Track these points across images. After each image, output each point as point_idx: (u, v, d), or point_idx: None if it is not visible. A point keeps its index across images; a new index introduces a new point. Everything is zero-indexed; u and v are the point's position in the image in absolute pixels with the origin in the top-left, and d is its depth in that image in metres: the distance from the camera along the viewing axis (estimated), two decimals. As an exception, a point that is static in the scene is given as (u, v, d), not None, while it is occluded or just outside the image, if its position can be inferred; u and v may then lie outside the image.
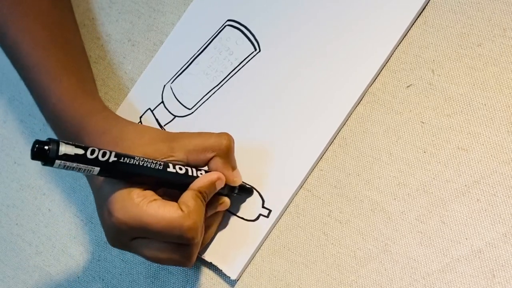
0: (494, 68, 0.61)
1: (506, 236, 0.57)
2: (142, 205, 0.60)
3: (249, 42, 0.71)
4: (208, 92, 0.71)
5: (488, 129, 0.60)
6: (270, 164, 0.66)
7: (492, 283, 0.57)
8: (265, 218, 0.65)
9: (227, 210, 0.66)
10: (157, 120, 0.73)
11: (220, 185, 0.63)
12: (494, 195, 0.59)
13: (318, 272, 0.63)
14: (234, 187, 0.65)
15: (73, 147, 0.57)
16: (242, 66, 0.71)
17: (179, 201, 0.61)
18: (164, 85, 0.74)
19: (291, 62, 0.68)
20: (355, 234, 0.62)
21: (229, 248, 0.66)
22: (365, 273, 0.61)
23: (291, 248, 0.64)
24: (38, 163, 0.79)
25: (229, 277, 0.65)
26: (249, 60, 0.70)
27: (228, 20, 0.73)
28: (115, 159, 0.59)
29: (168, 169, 0.61)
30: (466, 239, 0.58)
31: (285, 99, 0.68)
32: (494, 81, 0.61)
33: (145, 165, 0.60)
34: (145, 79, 0.75)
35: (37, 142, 0.56)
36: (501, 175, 0.59)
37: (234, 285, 0.66)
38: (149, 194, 0.61)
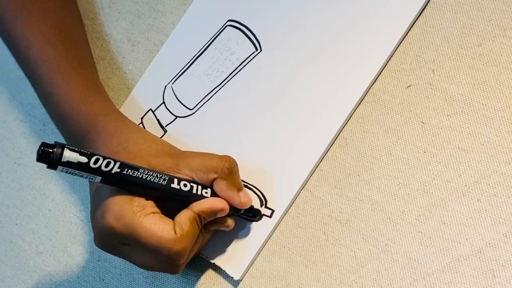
0: (494, 68, 0.61)
1: (506, 236, 0.57)
2: (139, 216, 0.59)
3: (250, 42, 0.71)
4: (210, 93, 0.71)
5: (488, 129, 0.60)
6: (272, 164, 0.66)
7: (492, 283, 0.57)
8: (268, 218, 0.65)
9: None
10: (158, 120, 0.73)
11: (221, 215, 0.62)
12: (494, 195, 0.59)
13: (318, 272, 0.63)
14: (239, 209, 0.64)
15: (78, 154, 0.57)
16: (243, 66, 0.71)
17: (175, 219, 0.60)
18: (165, 86, 0.74)
19: (292, 62, 0.68)
20: (355, 234, 0.62)
21: (232, 248, 0.66)
22: (365, 273, 0.61)
23: (292, 248, 0.64)
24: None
25: (231, 278, 0.65)
26: (250, 60, 0.70)
27: (229, 20, 0.73)
28: (118, 170, 0.58)
29: (172, 185, 0.61)
30: (466, 239, 0.58)
31: (286, 99, 0.68)
32: (495, 81, 0.61)
33: (149, 178, 0.60)
34: (146, 79, 0.75)
35: (43, 144, 0.56)
36: (501, 175, 0.59)
37: (236, 286, 0.66)
38: (149, 205, 0.60)
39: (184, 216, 0.60)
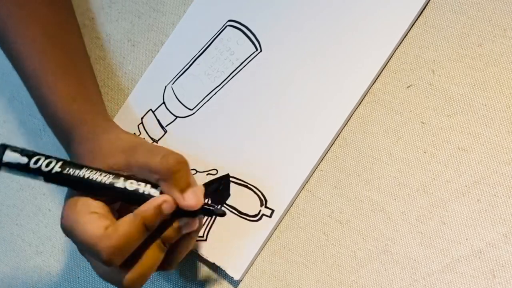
0: (494, 68, 0.61)
1: (506, 237, 0.57)
2: (80, 215, 0.59)
3: (250, 42, 0.71)
4: (210, 93, 0.71)
5: (488, 129, 0.60)
6: (272, 164, 0.66)
7: (492, 283, 0.57)
8: (268, 218, 0.65)
9: (230, 210, 0.66)
10: (158, 121, 0.73)
11: (168, 209, 0.59)
12: (495, 195, 0.59)
13: (318, 273, 0.63)
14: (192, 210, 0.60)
15: (19, 155, 0.58)
16: (244, 67, 0.71)
17: (117, 220, 0.59)
18: (166, 86, 0.74)
19: (292, 62, 0.68)
20: (355, 235, 0.62)
21: (232, 248, 0.66)
22: (365, 274, 0.61)
23: (292, 249, 0.64)
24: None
25: (231, 277, 0.65)
26: (250, 60, 0.70)
27: (229, 21, 0.73)
28: (59, 170, 0.59)
29: (117, 184, 0.59)
30: (467, 239, 0.58)
31: (286, 99, 0.68)
32: (495, 82, 0.61)
33: (90, 177, 0.59)
34: (147, 80, 0.75)
35: None
36: (501, 176, 0.59)
37: (236, 286, 0.66)
38: (94, 205, 0.60)
39: (124, 218, 0.59)
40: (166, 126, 0.72)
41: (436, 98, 0.63)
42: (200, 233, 0.67)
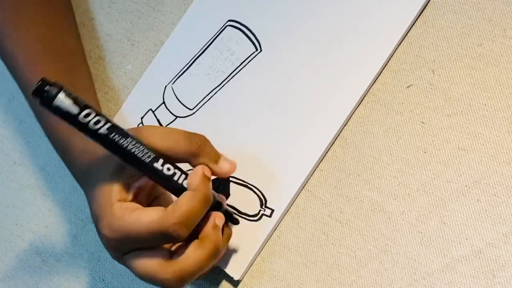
0: (494, 68, 0.61)
1: (506, 236, 0.57)
2: (124, 217, 0.59)
3: (250, 42, 0.71)
4: (210, 93, 0.71)
5: (488, 129, 0.60)
6: (272, 163, 0.66)
7: (492, 283, 0.57)
8: (268, 217, 0.65)
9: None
10: (158, 120, 0.73)
11: (210, 174, 0.61)
12: (495, 195, 0.59)
13: (318, 272, 0.63)
14: (219, 206, 0.62)
15: (72, 102, 0.56)
16: (244, 66, 0.71)
17: (175, 200, 0.60)
18: (166, 86, 0.74)
19: (292, 62, 0.68)
20: (355, 234, 0.62)
21: (231, 248, 0.66)
22: (365, 273, 0.61)
23: (292, 248, 0.64)
24: (39, 163, 0.79)
25: (232, 278, 0.65)
26: (250, 60, 0.71)
27: (229, 21, 0.73)
28: (106, 132, 0.57)
29: (155, 164, 0.59)
30: (466, 239, 0.59)
31: (286, 99, 0.68)
32: (495, 81, 0.61)
33: (133, 150, 0.58)
34: (146, 80, 0.75)
35: (43, 79, 0.55)
36: (501, 175, 0.59)
37: (236, 286, 0.66)
38: (131, 205, 0.60)
39: (183, 195, 0.59)
40: (166, 126, 0.72)
41: (436, 98, 0.63)
42: None
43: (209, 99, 0.71)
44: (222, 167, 0.63)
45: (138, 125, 0.73)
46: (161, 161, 0.60)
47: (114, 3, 0.80)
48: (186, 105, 0.72)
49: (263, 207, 0.66)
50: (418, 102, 0.63)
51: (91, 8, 0.81)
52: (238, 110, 0.70)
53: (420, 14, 0.65)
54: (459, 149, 0.61)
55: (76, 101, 0.56)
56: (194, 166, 0.62)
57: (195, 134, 0.62)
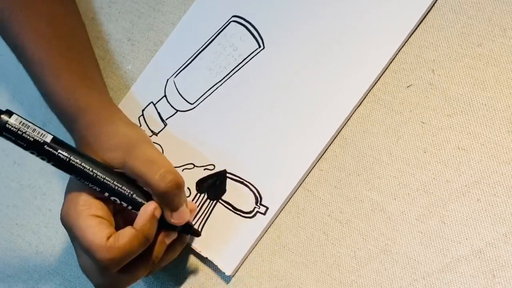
0: (494, 68, 0.61)
1: (506, 236, 0.57)
2: (81, 216, 0.61)
3: (253, 39, 0.71)
4: (211, 88, 0.72)
5: (488, 129, 0.60)
6: (269, 161, 0.67)
7: (492, 283, 0.57)
8: (262, 215, 0.65)
9: (225, 206, 0.67)
10: (159, 113, 0.73)
11: (159, 214, 0.62)
12: (494, 195, 0.59)
13: (318, 272, 0.63)
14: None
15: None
16: (246, 63, 0.71)
17: (119, 231, 0.61)
18: (168, 79, 0.74)
19: (295, 60, 0.68)
20: (355, 234, 0.62)
21: (225, 244, 0.66)
22: (365, 273, 0.61)
23: (291, 248, 0.65)
24: (39, 163, 0.79)
25: (223, 273, 0.65)
26: (252, 57, 0.71)
27: (233, 16, 0.73)
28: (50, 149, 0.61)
29: (107, 183, 0.61)
30: (466, 239, 0.59)
31: (287, 97, 0.68)
32: (495, 81, 0.61)
33: (75, 163, 0.61)
34: (149, 72, 0.75)
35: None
36: (501, 175, 0.59)
37: (229, 282, 0.66)
38: (96, 207, 0.61)
39: (127, 231, 0.61)
40: (166, 119, 0.73)
41: (436, 98, 0.63)
42: (196, 228, 0.68)
43: (210, 94, 0.71)
44: (174, 218, 0.63)
45: (138, 118, 0.74)
46: (113, 181, 0.61)
47: (114, 3, 0.80)
48: (187, 99, 0.72)
49: (258, 204, 0.66)
50: (418, 102, 0.63)
51: (91, 7, 0.81)
52: (238, 106, 0.70)
53: (425, 17, 0.65)
54: (459, 149, 0.61)
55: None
56: (152, 198, 0.62)
57: (174, 174, 0.62)
